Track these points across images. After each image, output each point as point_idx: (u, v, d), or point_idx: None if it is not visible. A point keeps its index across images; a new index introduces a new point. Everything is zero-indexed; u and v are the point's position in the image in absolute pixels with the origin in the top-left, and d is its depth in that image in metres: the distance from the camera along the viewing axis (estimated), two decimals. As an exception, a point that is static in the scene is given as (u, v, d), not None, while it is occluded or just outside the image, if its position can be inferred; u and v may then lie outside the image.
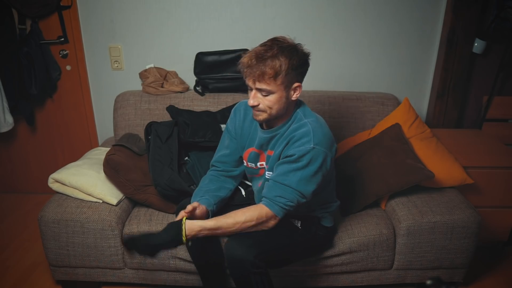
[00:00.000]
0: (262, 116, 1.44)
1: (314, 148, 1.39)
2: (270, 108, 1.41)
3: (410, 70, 2.41)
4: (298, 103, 1.52)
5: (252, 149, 1.59)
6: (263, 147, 1.55)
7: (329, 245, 1.74)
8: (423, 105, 2.49)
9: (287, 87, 1.39)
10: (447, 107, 2.41)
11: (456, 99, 2.39)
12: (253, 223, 1.42)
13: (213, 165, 1.71)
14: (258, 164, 1.58)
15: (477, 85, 2.43)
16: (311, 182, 1.43)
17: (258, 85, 1.37)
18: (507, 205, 2.07)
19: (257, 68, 1.34)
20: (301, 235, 1.61)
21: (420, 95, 2.47)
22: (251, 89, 1.41)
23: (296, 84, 1.41)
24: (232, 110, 1.67)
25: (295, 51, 1.37)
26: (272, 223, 1.45)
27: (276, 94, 1.38)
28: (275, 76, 1.34)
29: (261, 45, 1.39)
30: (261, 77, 1.34)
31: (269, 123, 1.51)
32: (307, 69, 1.44)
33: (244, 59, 1.37)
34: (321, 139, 1.42)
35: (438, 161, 1.93)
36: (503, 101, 2.39)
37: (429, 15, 2.29)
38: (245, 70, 1.37)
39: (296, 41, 1.41)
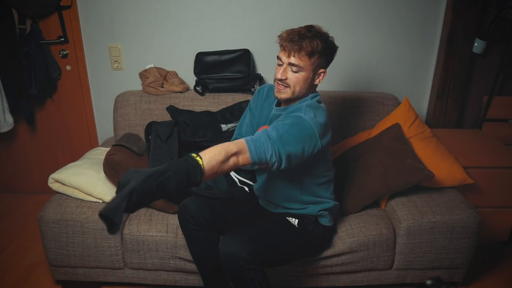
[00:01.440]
0: (285, 94, 1.52)
1: (302, 118, 1.43)
2: (295, 85, 1.49)
3: (410, 70, 2.41)
4: (315, 93, 1.58)
5: (265, 127, 1.63)
6: (272, 123, 1.59)
7: (327, 245, 1.75)
8: (423, 105, 2.49)
9: (315, 69, 1.49)
10: (447, 107, 2.41)
11: (456, 99, 2.39)
12: (224, 154, 1.25)
13: (236, 138, 1.78)
14: None
15: (477, 85, 2.43)
16: (289, 143, 1.35)
17: (293, 60, 1.45)
18: (507, 205, 2.07)
19: (297, 43, 1.43)
20: (297, 233, 1.62)
21: (420, 95, 2.47)
22: (282, 64, 1.48)
23: (321, 70, 1.52)
24: (256, 91, 1.78)
25: (328, 39, 1.50)
26: (241, 157, 1.28)
27: (305, 73, 1.48)
28: (311, 54, 1.44)
29: (299, 27, 1.48)
30: (298, 52, 1.44)
31: (285, 103, 1.58)
32: (332, 60, 1.55)
33: (284, 34, 1.47)
34: (313, 118, 1.44)
35: (438, 161, 1.93)
36: (503, 101, 2.40)
37: (429, 15, 2.29)
38: (285, 43, 1.46)
39: None
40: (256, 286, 1.46)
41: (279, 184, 1.63)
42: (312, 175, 1.60)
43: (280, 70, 1.49)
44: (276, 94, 1.54)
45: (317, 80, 1.53)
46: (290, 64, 1.46)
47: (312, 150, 1.43)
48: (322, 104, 1.57)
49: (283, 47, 1.47)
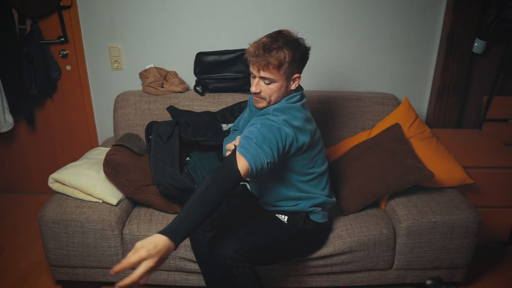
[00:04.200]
0: (262, 104, 1.53)
1: (269, 118, 1.46)
2: (271, 95, 1.50)
3: (410, 70, 2.41)
4: (293, 93, 1.55)
5: None
6: None
7: (322, 243, 1.74)
8: (423, 105, 2.49)
9: (288, 77, 1.49)
10: (447, 107, 2.41)
11: (456, 99, 2.39)
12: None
13: (234, 129, 1.82)
14: None
15: (477, 85, 2.43)
16: (265, 142, 1.40)
17: (263, 74, 1.45)
18: (507, 205, 2.07)
19: (263, 58, 1.42)
20: (286, 229, 1.62)
21: (420, 95, 2.47)
22: (255, 77, 1.49)
23: (296, 75, 1.51)
24: None
25: (298, 44, 1.47)
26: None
27: (278, 83, 1.48)
28: (279, 66, 1.43)
29: (267, 36, 1.47)
30: (266, 67, 1.43)
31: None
32: (306, 62, 1.54)
33: (251, 49, 1.46)
34: (280, 120, 1.45)
35: (438, 161, 1.93)
36: (503, 101, 2.40)
37: (429, 15, 2.29)
38: (251, 58, 1.46)
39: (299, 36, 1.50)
40: (246, 283, 1.46)
41: (268, 184, 1.64)
42: (293, 172, 1.59)
43: (253, 83, 1.50)
44: (255, 104, 1.56)
45: (293, 85, 1.52)
46: (261, 77, 1.47)
47: (285, 145, 1.44)
48: (297, 104, 1.53)
49: (251, 62, 1.47)
